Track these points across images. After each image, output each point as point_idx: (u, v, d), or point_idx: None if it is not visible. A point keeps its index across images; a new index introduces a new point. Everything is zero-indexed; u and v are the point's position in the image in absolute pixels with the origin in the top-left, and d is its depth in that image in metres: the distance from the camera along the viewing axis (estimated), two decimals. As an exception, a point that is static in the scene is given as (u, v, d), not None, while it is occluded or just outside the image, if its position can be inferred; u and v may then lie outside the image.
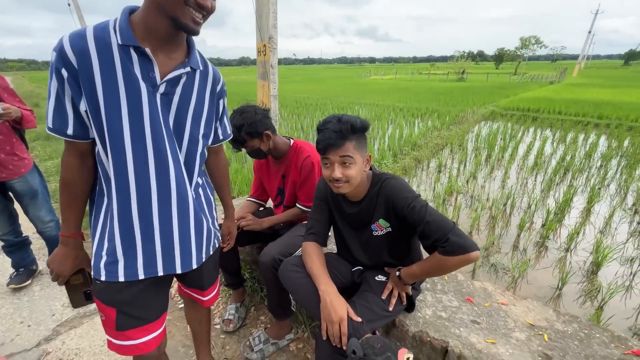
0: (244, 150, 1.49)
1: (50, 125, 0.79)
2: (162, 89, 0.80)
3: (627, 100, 12.05)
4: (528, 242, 3.18)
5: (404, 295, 1.16)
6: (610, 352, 1.02)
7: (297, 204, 1.59)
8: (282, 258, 1.33)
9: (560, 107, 10.31)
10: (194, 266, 0.95)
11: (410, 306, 1.23)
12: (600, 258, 2.75)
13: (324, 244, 1.26)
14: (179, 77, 0.82)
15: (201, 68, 0.88)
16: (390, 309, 1.11)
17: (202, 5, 0.74)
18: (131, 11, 0.79)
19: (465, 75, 33.40)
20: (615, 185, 4.55)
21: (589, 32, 37.86)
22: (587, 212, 3.75)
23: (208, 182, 1.07)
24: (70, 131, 0.78)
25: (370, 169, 1.18)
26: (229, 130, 1.08)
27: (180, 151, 0.87)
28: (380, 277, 1.20)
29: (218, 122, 1.01)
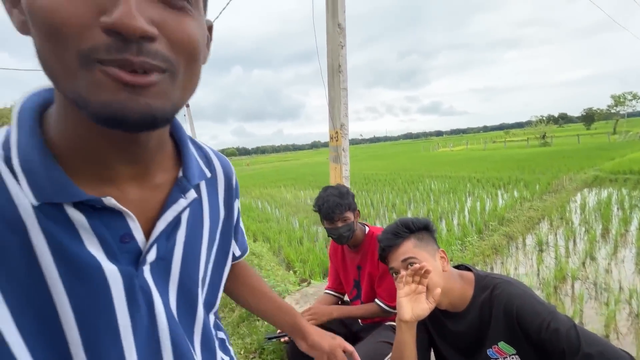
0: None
1: None
2: (151, 255, 0.41)
3: None
4: None
5: None
6: None
7: (376, 300, 1.39)
8: None
9: (692, 166, 8.34)
10: None
11: None
12: None
13: None
14: (177, 219, 0.44)
15: (208, 175, 0.50)
16: None
17: (121, 28, 0.27)
18: (43, 108, 0.37)
19: (549, 139, 30.54)
20: None
21: None
22: None
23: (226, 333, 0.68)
24: None
25: (469, 269, 0.97)
26: (245, 243, 0.70)
27: (194, 335, 0.49)
28: None
29: (234, 237, 0.61)
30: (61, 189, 0.34)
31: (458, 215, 6.48)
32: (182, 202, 0.43)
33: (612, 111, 42.96)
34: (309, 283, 3.17)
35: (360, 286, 1.49)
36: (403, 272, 0.89)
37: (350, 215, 1.38)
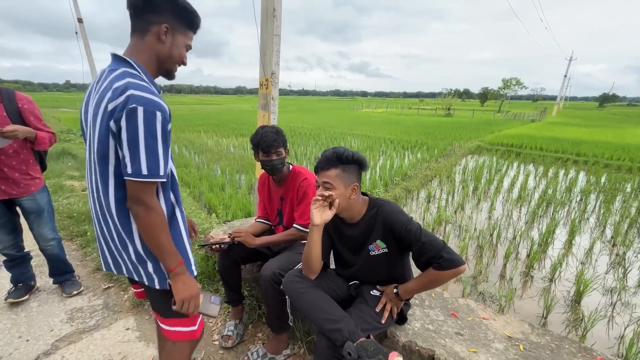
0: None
1: (162, 173, 0.87)
2: None
3: (602, 140, 12.81)
4: (514, 272, 3.31)
5: (395, 310, 1.27)
6: (580, 362, 1.14)
7: (294, 225, 1.68)
8: (282, 272, 1.43)
9: (541, 144, 10.90)
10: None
11: (402, 319, 1.34)
12: (582, 288, 2.88)
13: (326, 264, 1.39)
14: None
15: None
16: (383, 321, 1.22)
17: (185, 64, 1.03)
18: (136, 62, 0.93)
19: (452, 111, 34.98)
20: (594, 219, 4.79)
21: (565, 75, 40.74)
22: (569, 243, 3.93)
23: None
24: (165, 171, 0.89)
25: (367, 195, 1.33)
26: None
27: None
28: (375, 292, 1.32)
29: None
30: (158, 91, 0.94)
31: (371, 171, 7.28)
32: None
33: (501, 92, 51.07)
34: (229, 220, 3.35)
35: (283, 214, 1.78)
36: (317, 193, 1.19)
37: (283, 150, 1.62)
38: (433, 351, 1.18)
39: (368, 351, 0.97)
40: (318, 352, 1.13)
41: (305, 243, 1.33)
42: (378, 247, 1.27)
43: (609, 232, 4.29)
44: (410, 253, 1.26)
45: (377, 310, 1.24)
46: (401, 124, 18.49)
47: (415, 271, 1.28)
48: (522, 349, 1.18)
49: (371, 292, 1.32)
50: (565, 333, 2.53)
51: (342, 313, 1.15)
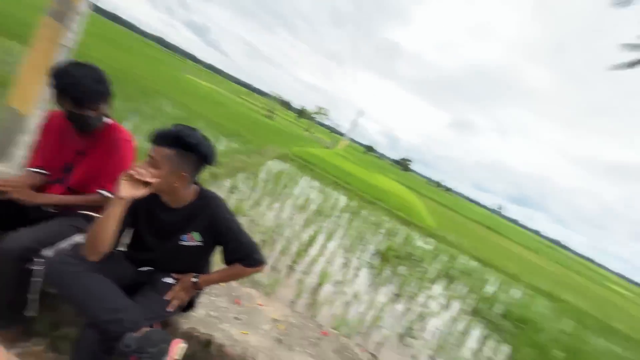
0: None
1: None
2: None
3: (362, 177, 17.90)
4: (283, 265, 4.00)
5: (186, 298, 1.26)
6: (314, 334, 1.58)
7: (101, 191, 1.32)
8: (40, 249, 1.07)
9: (326, 167, 13.86)
10: None
11: (188, 306, 1.34)
12: (322, 280, 3.88)
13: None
14: None
15: None
16: (171, 309, 1.18)
17: None
18: None
19: (275, 116, 38.09)
20: (342, 231, 6.59)
21: (354, 121, 54.39)
22: (324, 246, 5.21)
23: None
24: None
25: (198, 183, 1.25)
26: None
27: None
28: (168, 280, 1.25)
29: None
30: None
31: (181, 145, 6.65)
32: None
33: (313, 116, 61.18)
34: None
35: (72, 172, 1.33)
36: (137, 165, 1.02)
37: (104, 106, 1.25)
38: (212, 335, 1.26)
39: (150, 341, 0.91)
40: (81, 348, 0.94)
41: (85, 216, 1.07)
42: (192, 239, 1.22)
43: (347, 242, 6.03)
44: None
45: (168, 298, 1.18)
46: (225, 107, 18.14)
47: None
48: (282, 328, 1.48)
49: (163, 279, 1.23)
50: (309, 314, 3.32)
51: (126, 301, 1.01)
